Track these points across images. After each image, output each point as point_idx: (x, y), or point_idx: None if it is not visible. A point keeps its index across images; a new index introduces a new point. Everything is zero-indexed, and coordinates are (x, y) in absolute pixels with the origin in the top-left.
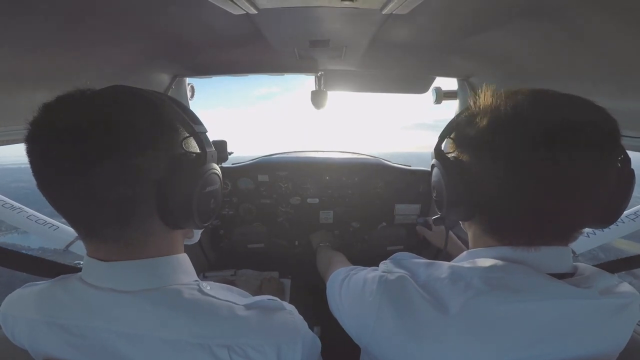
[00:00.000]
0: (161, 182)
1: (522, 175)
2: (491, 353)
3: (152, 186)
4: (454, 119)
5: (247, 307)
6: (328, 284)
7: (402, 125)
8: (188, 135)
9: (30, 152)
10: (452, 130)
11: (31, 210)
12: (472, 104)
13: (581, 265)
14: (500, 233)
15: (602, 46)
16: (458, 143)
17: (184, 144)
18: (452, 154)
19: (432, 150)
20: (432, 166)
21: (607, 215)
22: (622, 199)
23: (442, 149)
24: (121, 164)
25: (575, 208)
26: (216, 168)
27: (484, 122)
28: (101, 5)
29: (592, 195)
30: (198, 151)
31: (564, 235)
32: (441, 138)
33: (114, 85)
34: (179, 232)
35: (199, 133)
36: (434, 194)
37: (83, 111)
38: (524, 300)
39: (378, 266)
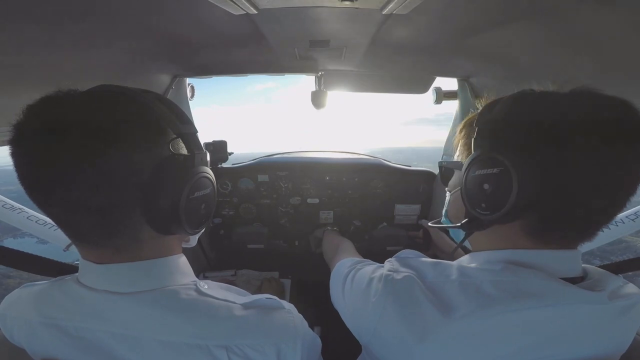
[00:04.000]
0: (146, 187)
1: (570, 174)
2: (496, 357)
3: (137, 191)
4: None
5: (245, 306)
6: (332, 273)
7: (403, 120)
8: (176, 136)
9: (13, 155)
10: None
11: (31, 211)
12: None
13: (589, 267)
14: (544, 233)
15: (602, 46)
16: (495, 140)
17: (172, 146)
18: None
19: (435, 145)
20: (488, 160)
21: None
22: None
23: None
24: (102, 169)
25: (615, 205)
26: (207, 171)
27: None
28: (101, 6)
29: (630, 193)
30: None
31: (595, 233)
32: (480, 138)
33: (101, 85)
34: (172, 236)
35: (186, 134)
36: (488, 188)
37: (63, 113)
38: (537, 306)
39: (382, 263)
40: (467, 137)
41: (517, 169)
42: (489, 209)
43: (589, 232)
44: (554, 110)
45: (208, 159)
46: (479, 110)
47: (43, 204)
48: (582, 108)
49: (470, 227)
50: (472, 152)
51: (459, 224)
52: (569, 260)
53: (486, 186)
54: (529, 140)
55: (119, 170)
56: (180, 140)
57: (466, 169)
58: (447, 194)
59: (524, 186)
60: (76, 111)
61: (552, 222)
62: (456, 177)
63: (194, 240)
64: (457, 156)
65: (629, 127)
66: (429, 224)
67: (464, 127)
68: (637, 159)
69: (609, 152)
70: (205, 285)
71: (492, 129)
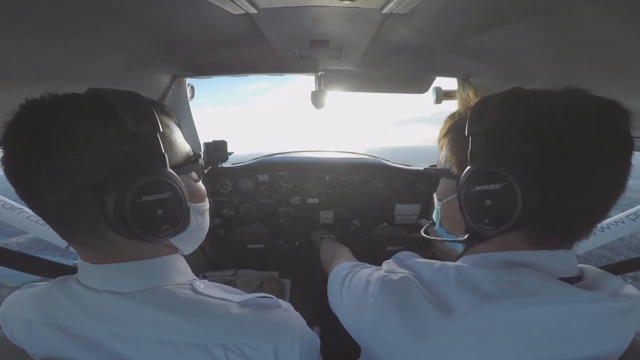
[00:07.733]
0: (99, 188)
1: (570, 183)
2: (496, 356)
3: (90, 191)
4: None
5: (242, 304)
6: (330, 277)
7: (400, 120)
8: (134, 136)
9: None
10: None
11: (31, 211)
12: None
13: (586, 267)
14: (542, 239)
15: (602, 46)
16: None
17: (129, 146)
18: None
19: (433, 144)
20: (488, 176)
21: None
22: None
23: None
24: (52, 169)
25: (605, 207)
26: (164, 174)
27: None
28: (100, 6)
29: (616, 194)
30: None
31: (591, 232)
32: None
33: (89, 89)
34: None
35: (141, 133)
36: (490, 204)
37: (35, 116)
38: (536, 304)
39: (380, 266)
40: (454, 143)
41: (520, 183)
42: (492, 224)
43: (585, 233)
44: (549, 118)
45: (201, 161)
46: (467, 114)
47: (22, 198)
48: (577, 112)
49: (472, 242)
50: (468, 163)
51: (461, 239)
52: (565, 260)
53: (488, 202)
54: (528, 152)
55: (69, 170)
56: (140, 141)
57: (464, 183)
58: (436, 201)
59: (527, 200)
60: (42, 114)
61: (552, 228)
62: (445, 185)
63: (185, 248)
64: (443, 162)
65: (623, 134)
66: (422, 233)
67: (448, 131)
68: (627, 162)
69: (608, 159)
70: (201, 285)
71: (487, 139)
